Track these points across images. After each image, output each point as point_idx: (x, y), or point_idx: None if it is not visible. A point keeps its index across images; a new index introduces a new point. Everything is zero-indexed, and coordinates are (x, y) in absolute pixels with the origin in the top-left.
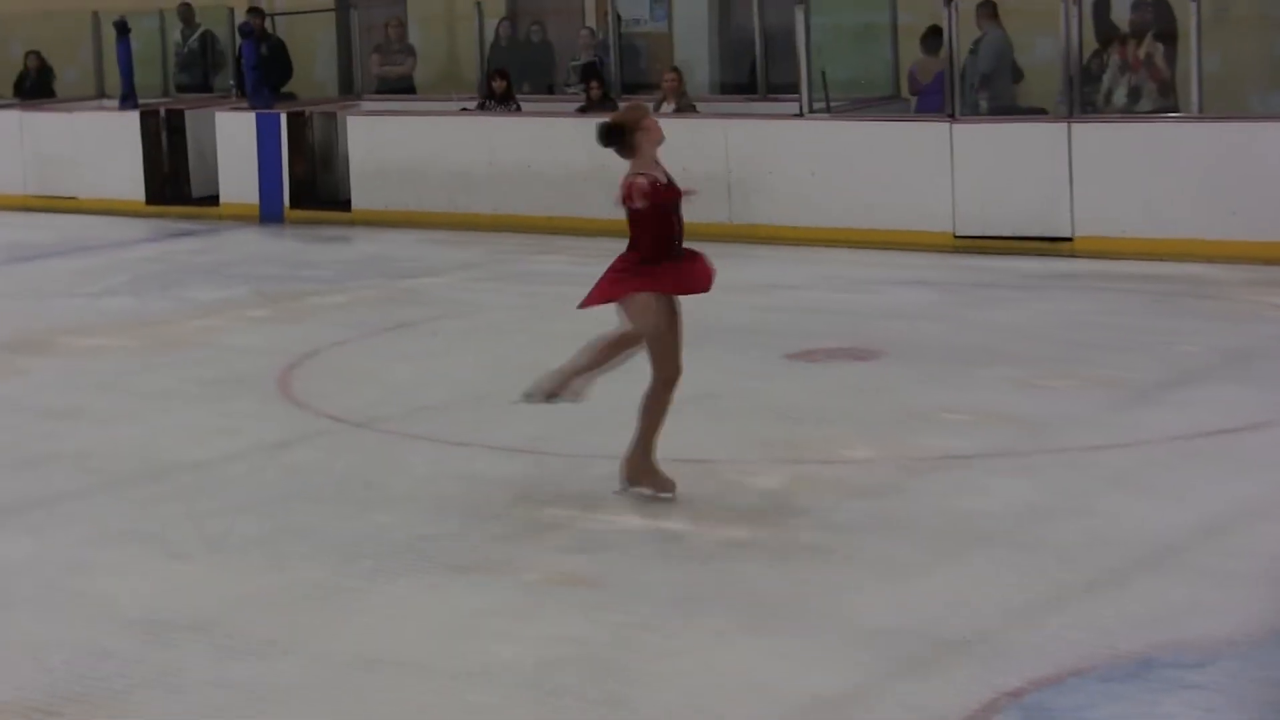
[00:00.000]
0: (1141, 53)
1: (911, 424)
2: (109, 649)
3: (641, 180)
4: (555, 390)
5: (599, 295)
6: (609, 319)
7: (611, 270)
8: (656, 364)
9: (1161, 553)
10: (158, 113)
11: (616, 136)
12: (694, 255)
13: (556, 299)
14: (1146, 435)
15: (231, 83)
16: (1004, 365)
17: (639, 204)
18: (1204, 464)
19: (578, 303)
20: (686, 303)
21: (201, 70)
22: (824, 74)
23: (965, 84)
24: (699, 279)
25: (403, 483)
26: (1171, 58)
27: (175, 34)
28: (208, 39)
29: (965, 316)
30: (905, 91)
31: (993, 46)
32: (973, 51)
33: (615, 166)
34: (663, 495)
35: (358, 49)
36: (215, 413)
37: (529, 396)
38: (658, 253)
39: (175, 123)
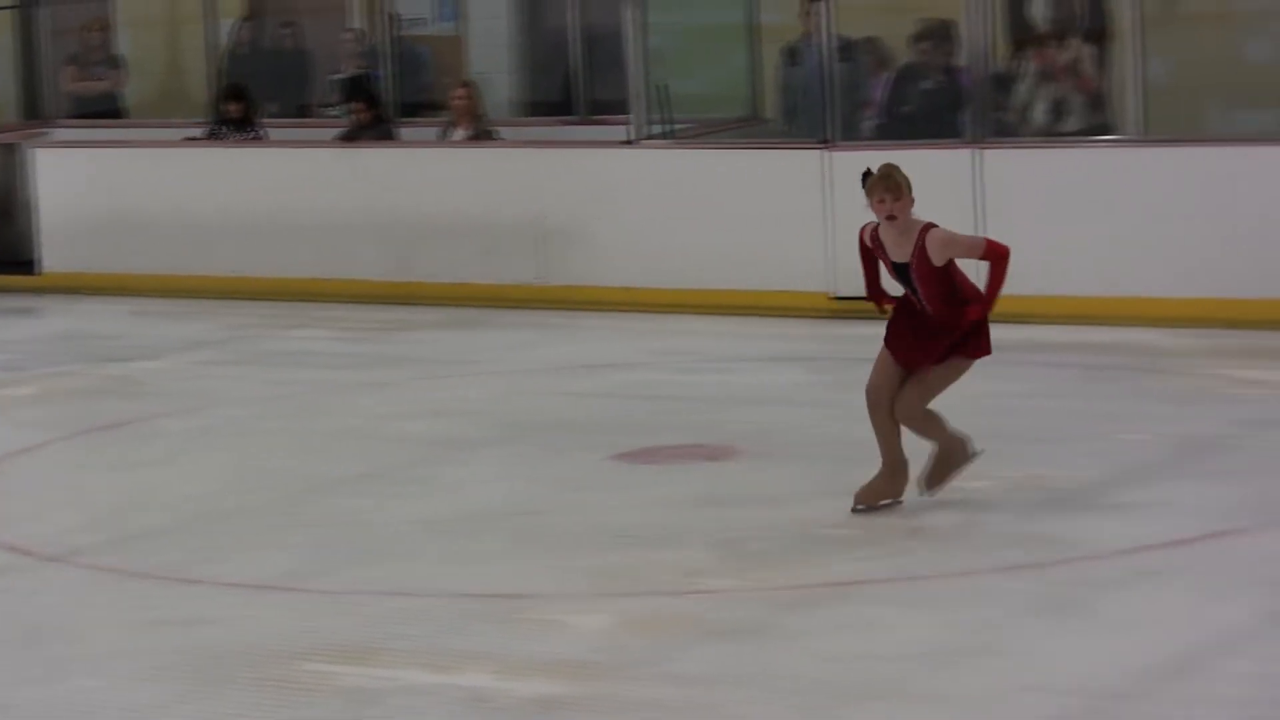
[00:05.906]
0: (1066, 58)
1: (781, 542)
2: None
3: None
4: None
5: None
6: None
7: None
8: None
9: (1102, 703)
10: None
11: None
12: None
13: (316, 387)
14: (1081, 550)
15: None
16: None
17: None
18: (1156, 586)
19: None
20: (483, 395)
21: None
22: (663, 89)
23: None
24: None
25: (111, 636)
26: (1105, 64)
27: None
28: None
29: (846, 401)
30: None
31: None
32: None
33: (386, 211)
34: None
35: (47, 58)
36: None
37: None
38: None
39: None
